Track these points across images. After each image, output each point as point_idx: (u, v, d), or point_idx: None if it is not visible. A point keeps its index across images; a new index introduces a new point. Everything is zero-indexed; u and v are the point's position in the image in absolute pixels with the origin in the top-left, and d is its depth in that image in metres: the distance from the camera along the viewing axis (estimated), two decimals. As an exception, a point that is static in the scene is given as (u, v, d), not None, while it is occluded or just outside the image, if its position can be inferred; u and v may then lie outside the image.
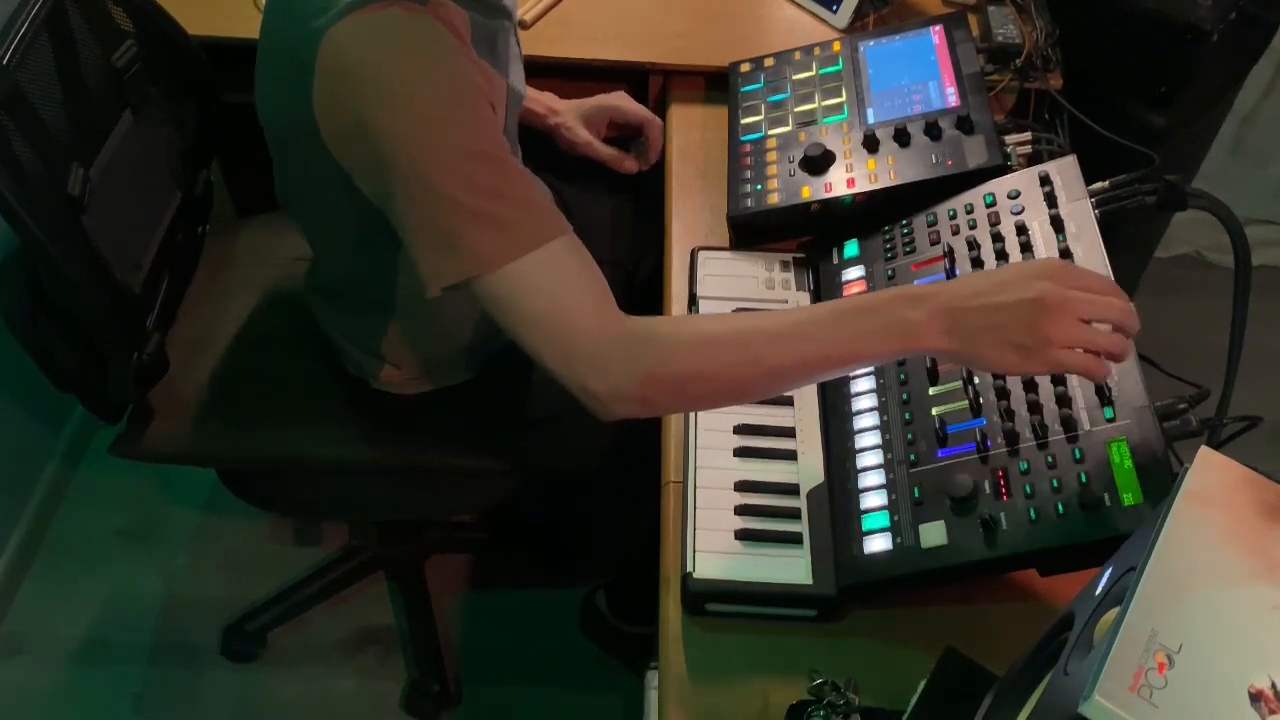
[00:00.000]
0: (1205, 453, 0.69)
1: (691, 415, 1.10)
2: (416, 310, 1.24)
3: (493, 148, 0.96)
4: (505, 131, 1.12)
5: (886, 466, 1.01)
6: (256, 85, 1.11)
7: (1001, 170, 1.19)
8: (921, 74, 1.32)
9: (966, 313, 0.86)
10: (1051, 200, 1.12)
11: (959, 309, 0.87)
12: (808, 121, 1.33)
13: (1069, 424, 0.94)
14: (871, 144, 1.26)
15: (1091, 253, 1.05)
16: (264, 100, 1.10)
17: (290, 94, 1.00)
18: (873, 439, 1.04)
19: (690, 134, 1.44)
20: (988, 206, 1.15)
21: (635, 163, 1.52)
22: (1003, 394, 0.99)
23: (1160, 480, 0.87)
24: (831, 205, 1.24)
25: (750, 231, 1.28)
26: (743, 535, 1.00)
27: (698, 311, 1.19)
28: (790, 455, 1.07)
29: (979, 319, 0.86)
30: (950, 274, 1.11)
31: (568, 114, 1.51)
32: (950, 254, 1.13)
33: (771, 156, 1.30)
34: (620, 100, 1.52)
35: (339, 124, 0.97)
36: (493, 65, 1.09)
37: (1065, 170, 1.14)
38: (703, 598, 0.97)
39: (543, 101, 1.52)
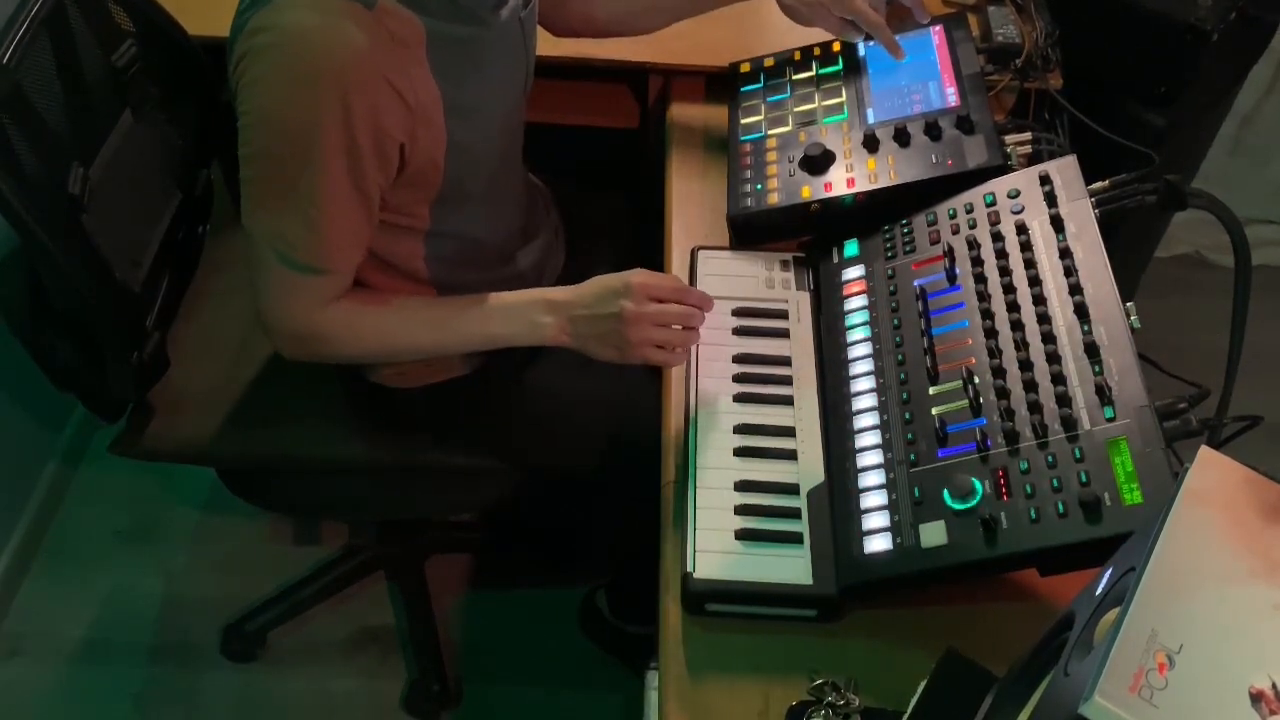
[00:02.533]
0: (1205, 453, 0.69)
1: (691, 416, 1.10)
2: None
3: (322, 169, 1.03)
4: (465, 138, 1.12)
5: (886, 466, 1.01)
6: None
7: (1001, 170, 1.19)
8: (921, 74, 1.32)
9: (579, 320, 1.13)
10: (1051, 200, 1.11)
11: (576, 317, 1.13)
12: (808, 121, 1.33)
13: (1069, 423, 0.94)
14: (871, 144, 1.26)
15: (1091, 253, 1.05)
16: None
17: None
18: (873, 439, 1.03)
19: (690, 134, 1.44)
20: (988, 206, 1.15)
21: (901, 52, 1.34)
22: (1003, 394, 0.99)
23: (1160, 480, 0.87)
24: (831, 205, 1.24)
25: (750, 231, 1.28)
26: (743, 535, 1.00)
27: None
28: (790, 455, 1.07)
29: (587, 327, 1.12)
30: (950, 274, 1.11)
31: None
32: (950, 253, 1.13)
33: (771, 156, 1.30)
34: None
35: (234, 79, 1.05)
36: (465, 72, 1.10)
37: (1065, 170, 1.14)
38: (703, 597, 0.97)
39: None
